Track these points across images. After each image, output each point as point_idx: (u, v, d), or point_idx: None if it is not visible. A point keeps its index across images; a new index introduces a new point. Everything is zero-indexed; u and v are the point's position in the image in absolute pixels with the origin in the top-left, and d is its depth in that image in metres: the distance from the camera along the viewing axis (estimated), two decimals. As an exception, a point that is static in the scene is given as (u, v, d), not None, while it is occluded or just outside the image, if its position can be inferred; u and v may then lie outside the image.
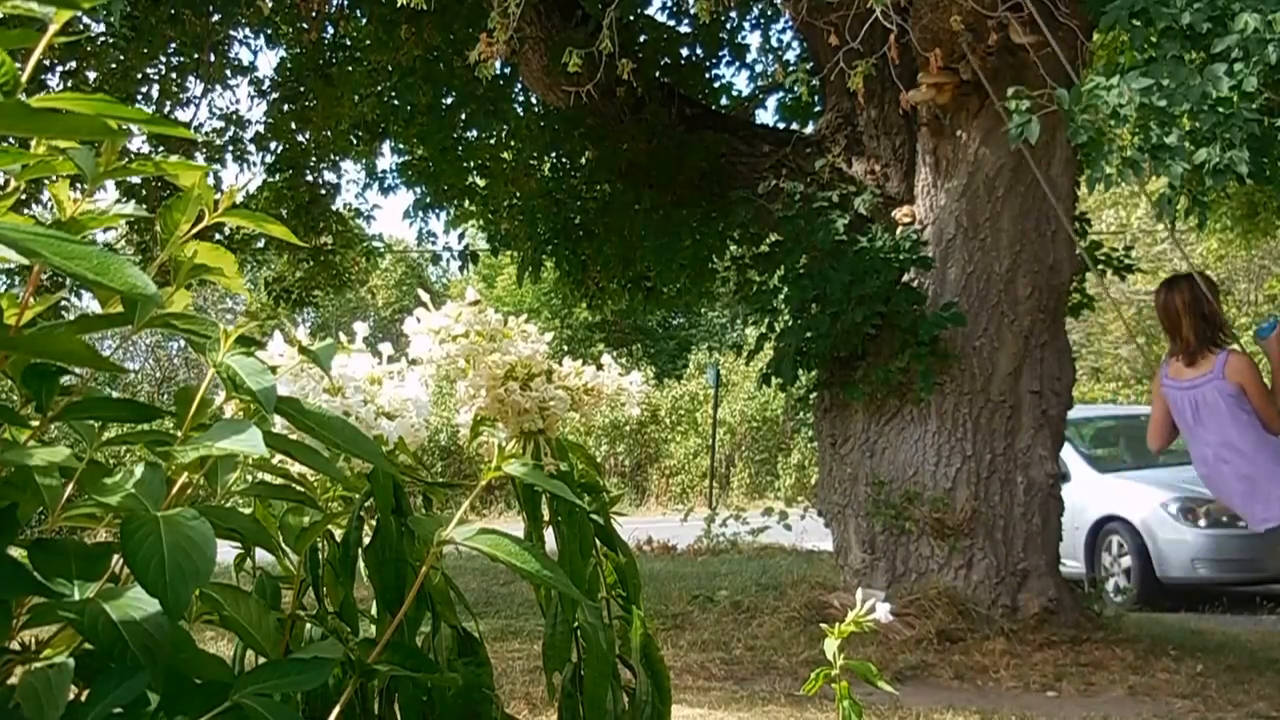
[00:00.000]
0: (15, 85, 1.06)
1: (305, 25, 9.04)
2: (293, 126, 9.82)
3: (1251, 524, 5.05)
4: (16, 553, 1.12)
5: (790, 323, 7.05)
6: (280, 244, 9.69)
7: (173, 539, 1.06)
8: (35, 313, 1.26)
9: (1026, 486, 6.69)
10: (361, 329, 1.61)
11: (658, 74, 8.28)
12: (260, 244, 10.10)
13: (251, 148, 10.00)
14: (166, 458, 1.22)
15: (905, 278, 6.81)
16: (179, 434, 1.23)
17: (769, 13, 9.20)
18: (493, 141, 9.60)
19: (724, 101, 9.28)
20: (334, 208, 10.58)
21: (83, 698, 1.09)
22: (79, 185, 1.27)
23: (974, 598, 6.56)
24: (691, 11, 6.48)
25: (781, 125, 9.15)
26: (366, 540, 1.52)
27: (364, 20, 9.27)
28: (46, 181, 1.29)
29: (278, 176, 10.07)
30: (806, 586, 7.58)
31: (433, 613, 1.57)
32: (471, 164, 9.58)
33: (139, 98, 9.15)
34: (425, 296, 1.71)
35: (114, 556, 1.16)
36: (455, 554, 1.68)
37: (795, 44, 9.44)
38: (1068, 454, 9.20)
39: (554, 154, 9.09)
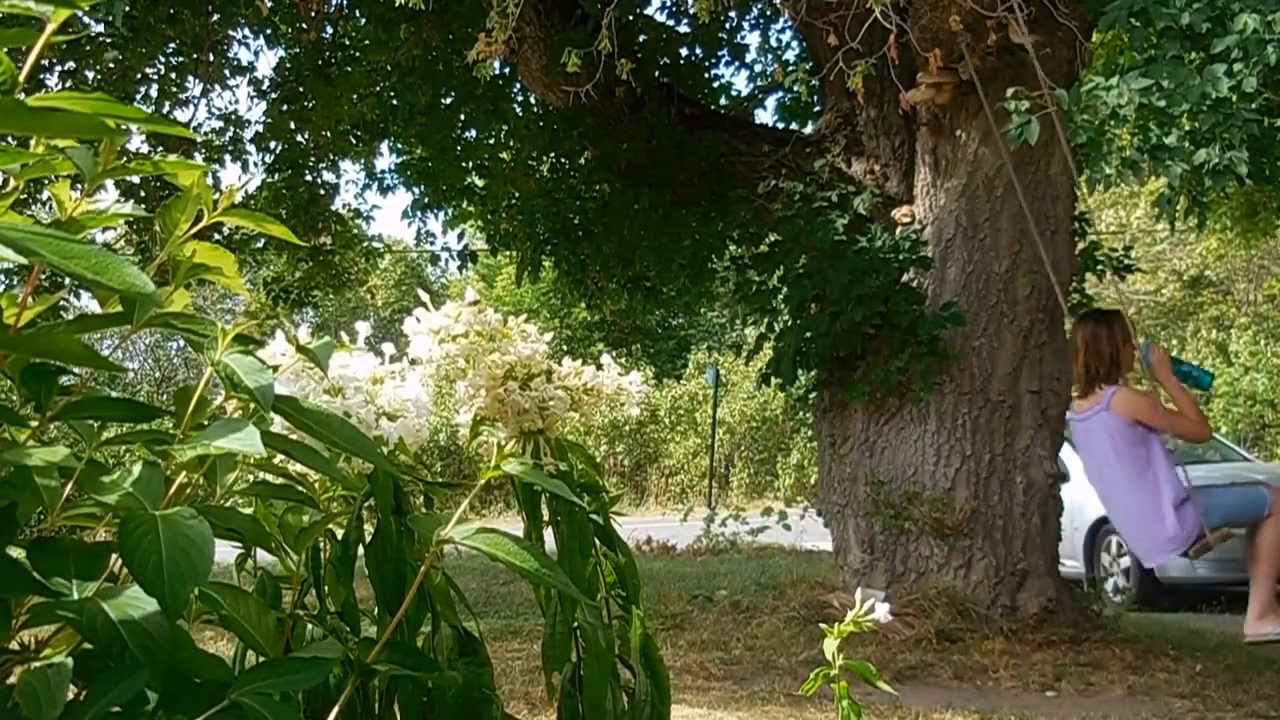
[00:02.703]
0: (13, 84, 1.06)
1: (304, 25, 9.03)
2: (292, 126, 9.81)
3: (1144, 561, 5.51)
4: (16, 553, 1.12)
5: (789, 323, 7.05)
6: (279, 244, 9.69)
7: (171, 538, 1.06)
8: (34, 313, 1.26)
9: (1026, 486, 6.70)
10: (364, 329, 1.61)
11: (657, 74, 8.28)
12: (260, 244, 10.10)
13: (251, 148, 10.00)
14: (165, 457, 1.22)
15: (905, 277, 6.82)
16: (178, 434, 1.23)
17: (768, 12, 9.20)
18: (492, 141, 9.60)
19: (723, 101, 9.28)
20: (333, 208, 10.57)
21: (82, 697, 1.09)
22: (79, 185, 1.27)
23: (973, 597, 6.56)
24: (691, 11, 6.48)
25: (781, 125, 9.16)
26: (368, 540, 1.52)
27: (363, 20, 9.27)
28: (46, 181, 1.29)
29: (276, 176, 10.07)
30: (806, 586, 7.57)
31: (433, 612, 1.57)
32: (470, 164, 9.58)
33: (138, 98, 9.15)
34: (425, 297, 1.71)
35: (113, 555, 1.16)
36: (455, 554, 1.68)
37: (794, 44, 9.45)
38: (1067, 454, 9.19)
39: (553, 154, 9.10)
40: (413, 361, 1.64)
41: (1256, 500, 5.31)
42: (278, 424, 1.32)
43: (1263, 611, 5.28)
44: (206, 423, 1.22)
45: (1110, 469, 5.26)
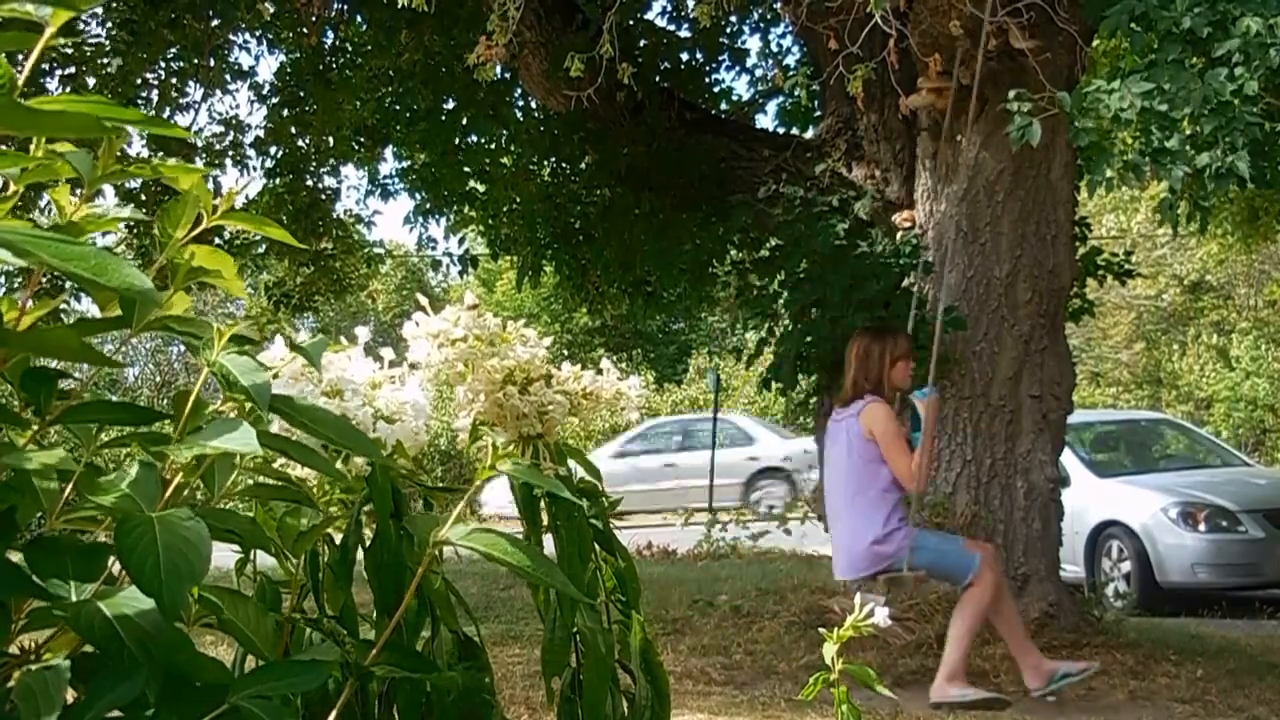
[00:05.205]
0: (11, 85, 1.06)
1: (305, 30, 9.04)
2: (293, 131, 9.82)
3: (835, 573, 5.55)
4: (15, 556, 1.12)
5: (790, 327, 7.05)
6: (281, 249, 9.68)
7: (168, 539, 1.06)
8: (35, 317, 1.25)
9: (1026, 491, 6.68)
10: (363, 334, 1.61)
11: (658, 78, 8.28)
12: (261, 249, 10.09)
13: (251, 152, 10.00)
14: (161, 458, 1.22)
15: (905, 282, 6.81)
16: (175, 435, 1.23)
17: (769, 17, 9.21)
18: (493, 146, 9.60)
19: (724, 106, 9.28)
20: (335, 213, 10.57)
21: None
22: (78, 189, 1.27)
23: (974, 602, 6.54)
24: (691, 16, 6.48)
25: (781, 130, 9.16)
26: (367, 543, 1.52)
27: (364, 25, 9.28)
28: (46, 186, 1.29)
29: (278, 181, 10.07)
30: (806, 591, 7.56)
31: (433, 617, 1.57)
32: (472, 169, 9.58)
33: (138, 102, 9.14)
34: (424, 301, 1.71)
35: (111, 557, 1.16)
36: (456, 558, 1.68)
37: (795, 48, 9.45)
38: (1068, 459, 9.18)
39: (554, 158, 9.09)
40: (412, 366, 1.63)
41: (962, 564, 5.29)
42: (276, 426, 1.32)
43: (951, 674, 5.30)
44: (204, 425, 1.22)
45: (841, 477, 5.37)
